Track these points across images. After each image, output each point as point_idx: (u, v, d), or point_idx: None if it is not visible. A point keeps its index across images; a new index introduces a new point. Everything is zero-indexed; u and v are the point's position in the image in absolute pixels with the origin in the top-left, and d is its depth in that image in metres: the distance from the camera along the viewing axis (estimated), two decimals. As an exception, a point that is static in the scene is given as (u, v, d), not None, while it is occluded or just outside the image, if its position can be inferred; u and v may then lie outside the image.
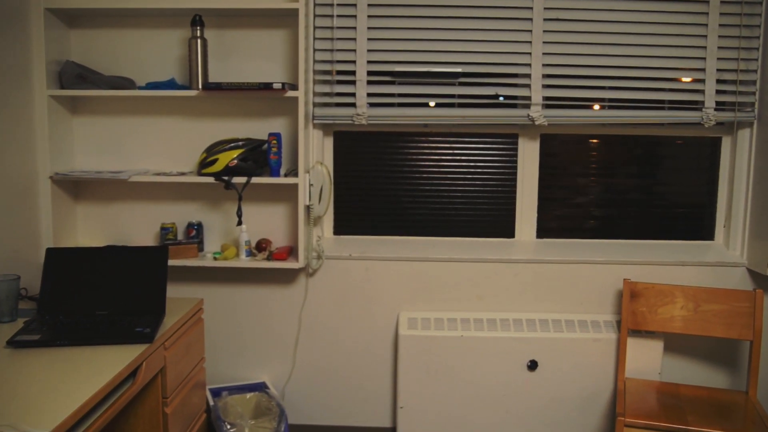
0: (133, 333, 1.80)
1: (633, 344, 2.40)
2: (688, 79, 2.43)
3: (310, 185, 2.41)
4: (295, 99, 2.34)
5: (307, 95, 2.40)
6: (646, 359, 2.41)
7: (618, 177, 2.60)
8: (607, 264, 2.48)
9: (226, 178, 2.36)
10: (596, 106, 2.45)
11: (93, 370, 1.56)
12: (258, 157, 2.40)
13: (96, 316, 1.94)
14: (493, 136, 2.58)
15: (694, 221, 2.62)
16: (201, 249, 2.53)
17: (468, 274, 2.51)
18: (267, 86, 2.27)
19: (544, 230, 2.63)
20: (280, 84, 2.26)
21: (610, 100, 2.45)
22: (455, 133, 2.58)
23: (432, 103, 2.49)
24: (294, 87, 2.33)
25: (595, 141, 2.59)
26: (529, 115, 2.41)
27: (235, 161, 2.35)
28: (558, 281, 2.50)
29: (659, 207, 2.62)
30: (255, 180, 2.37)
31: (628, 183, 2.60)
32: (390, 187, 2.62)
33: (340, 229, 2.66)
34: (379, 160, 2.61)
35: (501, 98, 2.45)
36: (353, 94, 2.45)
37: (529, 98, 2.41)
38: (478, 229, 2.64)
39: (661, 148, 2.58)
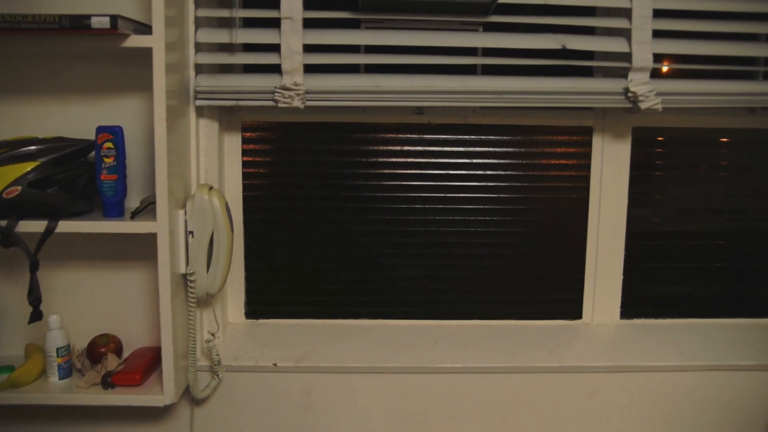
0: None
1: None
2: None
3: (188, 234, 1.18)
4: (149, 53, 1.09)
5: (184, 50, 1.16)
6: None
7: (756, 200, 1.44)
8: (764, 371, 1.32)
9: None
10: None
11: None
12: (74, 177, 1.15)
13: None
14: (546, 131, 1.39)
15: None
16: (-22, 357, 1.27)
17: (499, 396, 1.32)
18: (77, 24, 1.02)
19: (633, 304, 1.45)
20: (107, 19, 1.02)
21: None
22: (475, 127, 1.38)
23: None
24: (144, 28, 1.09)
25: (725, 140, 1.42)
26: (627, 91, 1.21)
27: (18, 188, 1.09)
28: (669, 404, 1.33)
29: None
30: (67, 226, 1.12)
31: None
32: (350, 229, 1.41)
33: (257, 308, 1.43)
34: (330, 180, 1.39)
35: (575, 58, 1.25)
36: (276, 47, 1.21)
37: (627, 57, 1.22)
38: (515, 306, 1.45)
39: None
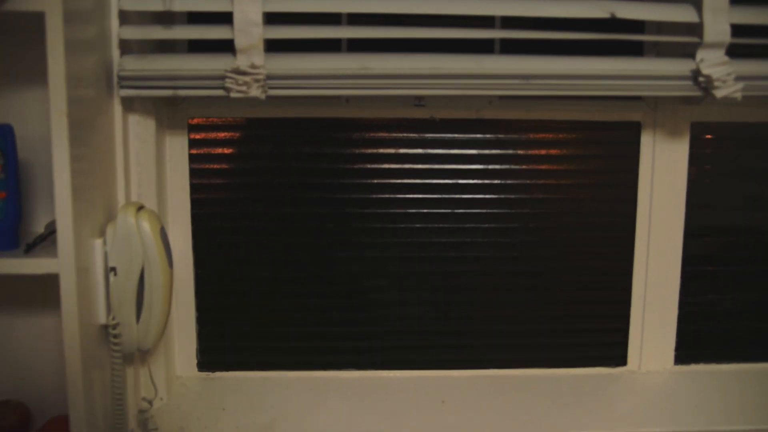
0: None
1: None
2: None
3: (109, 271, 0.86)
4: (41, 19, 0.77)
5: (102, 20, 0.85)
6: None
7: None
8: None
9: None
10: None
11: None
12: (-54, 196, 0.83)
13: None
14: (582, 126, 1.09)
15: None
16: None
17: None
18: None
19: (690, 346, 1.16)
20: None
21: None
22: (492, 123, 1.08)
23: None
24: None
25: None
26: (698, 74, 0.91)
27: None
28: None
29: None
30: (-70, 264, 0.80)
31: None
32: (332, 255, 1.10)
33: (213, 357, 1.12)
34: (305, 193, 1.08)
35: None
36: (227, 16, 0.89)
37: (695, 29, 0.92)
38: (544, 351, 1.14)
39: None
